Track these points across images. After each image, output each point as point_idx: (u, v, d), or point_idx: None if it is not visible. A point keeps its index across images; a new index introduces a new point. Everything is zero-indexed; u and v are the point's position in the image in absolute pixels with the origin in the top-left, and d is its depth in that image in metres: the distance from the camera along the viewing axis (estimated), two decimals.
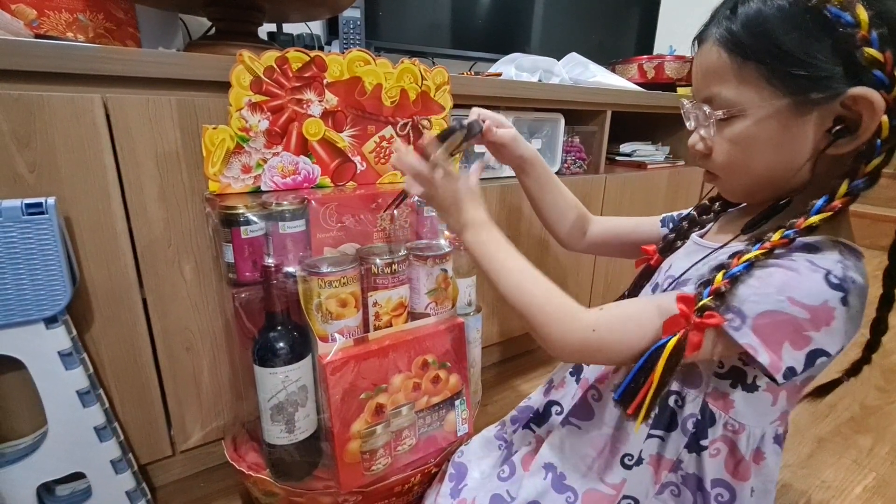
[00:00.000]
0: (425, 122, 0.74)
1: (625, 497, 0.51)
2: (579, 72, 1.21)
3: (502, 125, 0.62)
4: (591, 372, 0.59)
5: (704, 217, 0.57)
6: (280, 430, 0.61)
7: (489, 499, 0.58)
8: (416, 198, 0.57)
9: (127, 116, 0.59)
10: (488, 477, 0.62)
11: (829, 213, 0.38)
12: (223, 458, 0.66)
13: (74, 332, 0.59)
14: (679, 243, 0.57)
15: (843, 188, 0.38)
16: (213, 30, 0.78)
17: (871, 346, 0.46)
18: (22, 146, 0.54)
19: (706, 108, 0.43)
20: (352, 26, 1.08)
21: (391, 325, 0.65)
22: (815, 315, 0.38)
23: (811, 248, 0.40)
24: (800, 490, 0.82)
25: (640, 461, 0.50)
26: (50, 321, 0.55)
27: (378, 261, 0.63)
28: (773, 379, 0.39)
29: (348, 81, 0.66)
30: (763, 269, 0.39)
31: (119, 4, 0.77)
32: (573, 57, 1.24)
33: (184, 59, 0.61)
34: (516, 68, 1.11)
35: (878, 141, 0.37)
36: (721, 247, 0.47)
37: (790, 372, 0.39)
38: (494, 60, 1.24)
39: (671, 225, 0.62)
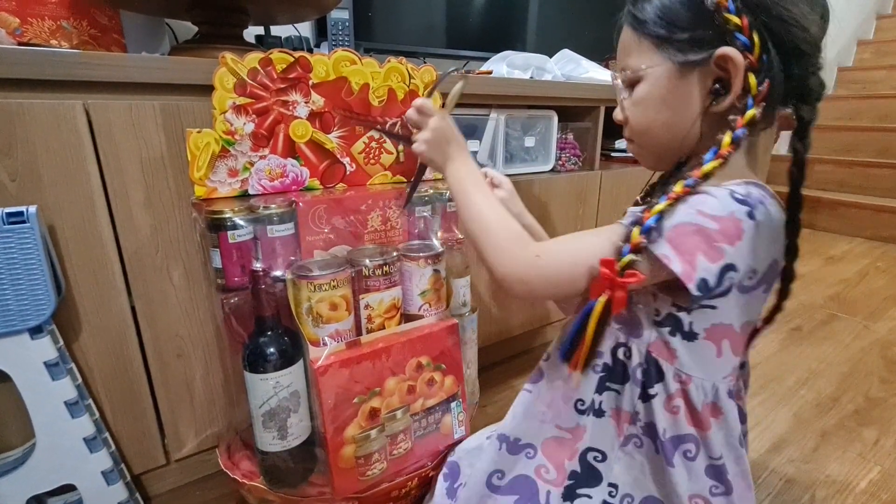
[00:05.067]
0: None
1: (591, 449, 0.53)
2: (571, 68, 1.20)
3: (501, 185, 0.68)
4: None
5: (649, 199, 0.61)
6: (272, 437, 0.60)
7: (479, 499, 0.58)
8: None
9: (110, 122, 0.58)
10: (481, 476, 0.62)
11: (720, 161, 0.43)
12: (218, 466, 0.65)
13: (61, 341, 0.58)
14: None
15: (727, 138, 0.43)
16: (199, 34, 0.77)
17: (783, 294, 0.50)
18: (3, 155, 0.53)
19: (617, 75, 0.51)
20: (340, 27, 1.07)
21: (384, 328, 0.64)
22: (723, 226, 0.41)
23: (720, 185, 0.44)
24: (804, 485, 0.81)
25: (600, 412, 0.52)
26: (35, 331, 0.54)
27: (369, 262, 0.62)
28: (687, 291, 0.41)
29: (335, 82, 0.65)
30: (672, 212, 0.43)
31: (103, 10, 0.77)
32: (565, 53, 1.23)
33: (166, 63, 0.60)
34: (508, 66, 1.10)
35: (750, 97, 0.42)
36: (642, 210, 0.53)
37: (703, 284, 0.42)
38: (487, 59, 1.23)
39: None
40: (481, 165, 0.63)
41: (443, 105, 0.63)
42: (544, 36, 1.50)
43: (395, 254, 0.65)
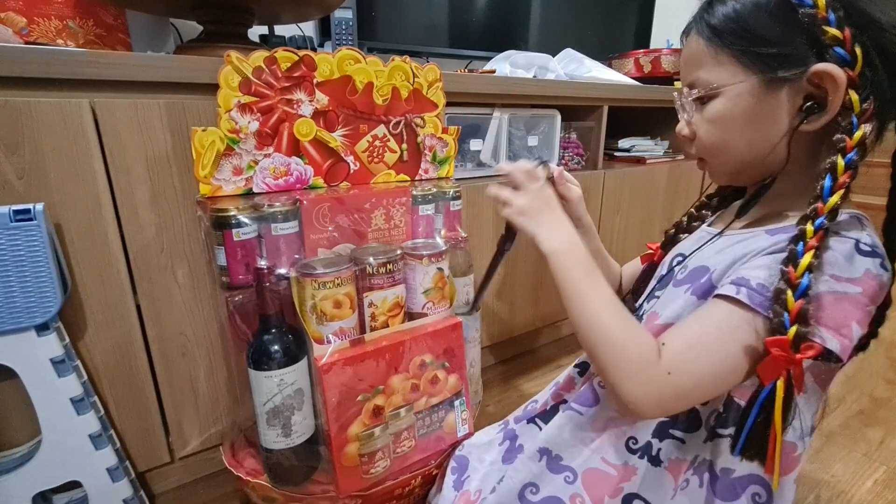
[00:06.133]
0: (418, 121, 0.73)
1: (638, 497, 0.49)
2: (574, 67, 1.20)
3: (571, 182, 0.63)
4: None
5: (703, 212, 0.59)
6: (277, 435, 0.60)
7: (491, 488, 0.58)
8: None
9: (115, 121, 0.58)
10: (492, 466, 0.61)
11: (842, 191, 0.39)
12: (222, 464, 0.65)
13: (67, 339, 0.58)
14: (681, 236, 0.59)
15: (841, 164, 0.39)
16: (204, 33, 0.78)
17: (878, 321, 0.46)
18: (10, 153, 0.54)
19: (687, 91, 0.47)
20: (344, 27, 1.07)
21: (388, 326, 0.64)
22: (865, 287, 0.38)
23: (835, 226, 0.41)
24: (809, 485, 0.80)
25: (657, 461, 0.49)
26: (41, 328, 0.54)
27: (372, 260, 0.62)
28: (837, 359, 0.39)
29: (339, 80, 0.65)
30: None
31: (109, 10, 0.77)
32: (568, 53, 1.23)
33: (171, 62, 0.60)
34: (511, 65, 1.10)
35: (854, 116, 0.38)
36: (720, 232, 0.50)
37: (855, 351, 0.40)
38: (491, 58, 1.23)
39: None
40: (542, 162, 0.55)
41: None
42: (547, 35, 1.50)
43: (398, 252, 0.65)
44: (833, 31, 0.37)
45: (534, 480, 0.55)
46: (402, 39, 1.26)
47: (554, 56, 1.19)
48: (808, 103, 0.41)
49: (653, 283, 0.58)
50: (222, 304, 0.63)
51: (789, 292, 0.37)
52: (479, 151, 0.99)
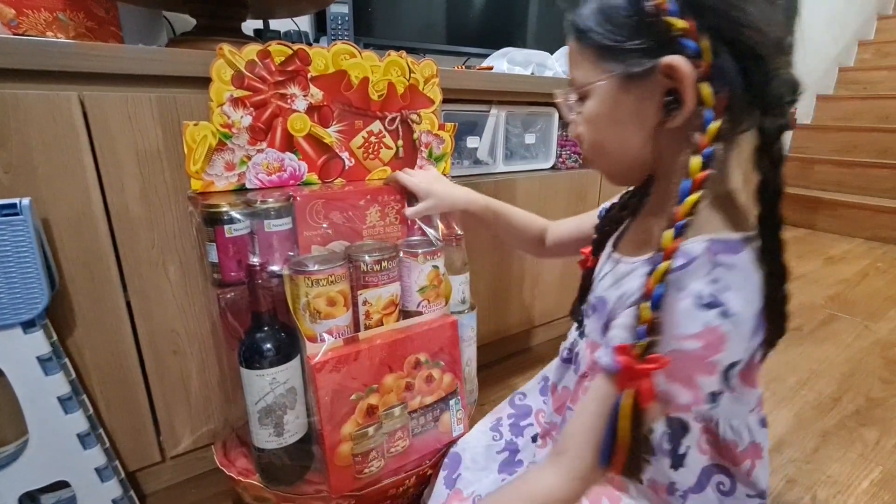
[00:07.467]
0: (414, 116, 0.72)
1: None
2: None
3: (429, 195, 0.67)
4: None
5: (623, 213, 0.56)
6: (269, 434, 0.59)
7: (487, 493, 0.57)
8: None
9: (105, 114, 0.57)
10: (487, 473, 0.61)
11: (700, 192, 0.37)
12: (214, 463, 0.64)
13: (55, 336, 0.57)
14: (608, 240, 0.56)
15: (694, 163, 0.37)
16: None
17: (780, 318, 0.44)
18: None
19: (567, 91, 0.47)
20: (340, 22, 1.06)
21: (382, 324, 0.64)
22: (705, 341, 0.38)
23: (683, 256, 0.39)
24: (805, 486, 0.80)
25: (639, 479, 0.49)
26: (27, 325, 0.53)
27: (367, 258, 0.61)
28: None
29: (334, 75, 0.64)
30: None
31: (100, 3, 0.76)
32: (566, 50, 1.22)
33: (163, 55, 0.59)
34: (508, 62, 1.09)
35: (707, 111, 0.37)
36: (616, 259, 0.50)
37: (712, 396, 0.40)
38: (488, 56, 1.22)
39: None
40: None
41: None
42: (545, 33, 1.50)
43: (393, 249, 0.64)
44: (676, 21, 0.36)
45: None
46: (398, 36, 1.25)
47: (552, 54, 1.18)
48: (668, 98, 0.39)
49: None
50: (214, 301, 0.62)
51: (645, 304, 0.38)
52: (475, 149, 0.98)
